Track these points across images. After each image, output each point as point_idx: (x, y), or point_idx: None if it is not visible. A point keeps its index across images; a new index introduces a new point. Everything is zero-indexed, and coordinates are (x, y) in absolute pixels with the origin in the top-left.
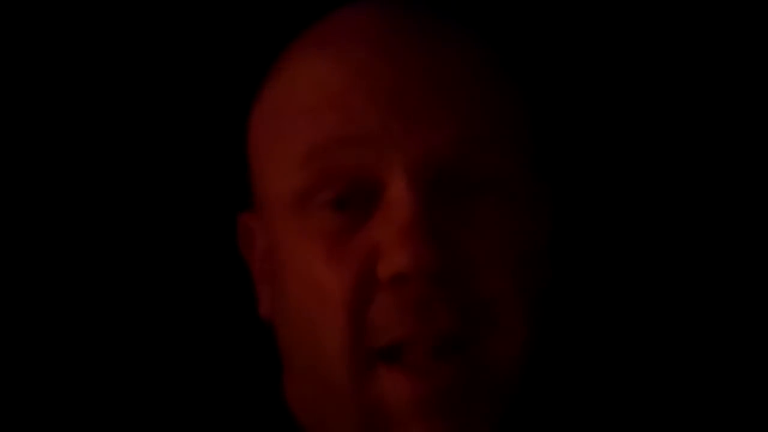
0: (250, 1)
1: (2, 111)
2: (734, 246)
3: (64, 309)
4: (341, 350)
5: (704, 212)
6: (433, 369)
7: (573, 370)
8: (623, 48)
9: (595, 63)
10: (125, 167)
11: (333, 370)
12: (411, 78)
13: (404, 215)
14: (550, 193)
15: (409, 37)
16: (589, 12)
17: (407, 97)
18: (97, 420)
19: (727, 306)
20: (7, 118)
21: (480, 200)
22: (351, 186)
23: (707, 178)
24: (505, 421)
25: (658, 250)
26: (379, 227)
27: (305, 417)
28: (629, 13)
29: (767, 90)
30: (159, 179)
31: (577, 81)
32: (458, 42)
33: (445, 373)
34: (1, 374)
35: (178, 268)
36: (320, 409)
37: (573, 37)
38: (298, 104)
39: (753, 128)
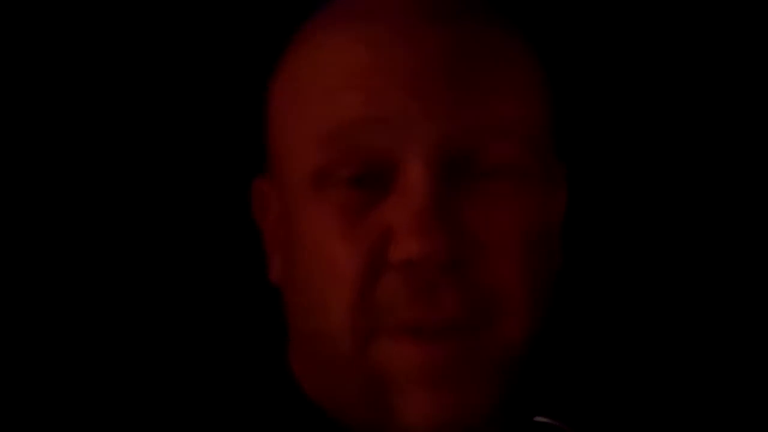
0: None
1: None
2: (741, 240)
3: (70, 274)
4: (347, 322)
5: (711, 208)
6: (435, 343)
7: (576, 355)
8: (645, 38)
9: (618, 51)
10: (143, 127)
11: (338, 339)
12: (433, 61)
13: (419, 200)
14: (564, 175)
15: (434, 18)
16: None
17: (429, 80)
18: (102, 383)
19: (730, 297)
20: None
21: (494, 186)
22: (368, 165)
23: (715, 173)
24: (505, 400)
25: (668, 239)
26: (393, 209)
27: (310, 385)
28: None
29: None
30: (172, 144)
31: (598, 65)
32: (483, 23)
33: (451, 346)
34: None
35: (188, 235)
36: (325, 377)
37: (595, 23)
38: (320, 81)
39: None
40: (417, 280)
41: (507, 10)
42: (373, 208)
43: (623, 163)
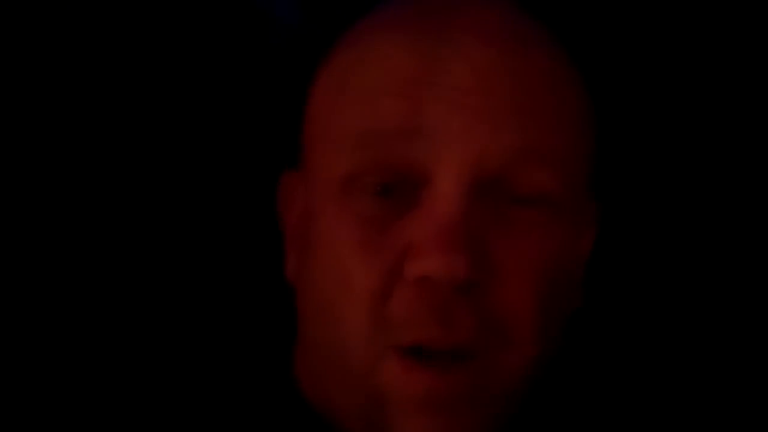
0: None
1: None
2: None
3: (77, 267)
4: (358, 337)
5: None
6: (446, 369)
7: (579, 386)
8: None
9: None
10: (175, 116)
11: (348, 351)
12: (480, 77)
13: (445, 216)
14: (596, 216)
15: (485, 37)
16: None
17: (473, 95)
18: (105, 385)
19: (731, 315)
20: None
21: (523, 213)
22: (398, 175)
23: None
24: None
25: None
26: (417, 222)
27: (312, 390)
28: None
29: None
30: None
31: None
32: (534, 48)
33: (457, 375)
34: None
35: (205, 228)
36: (330, 386)
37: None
38: (363, 84)
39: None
40: (432, 298)
41: (561, 38)
42: (396, 220)
43: (657, 208)
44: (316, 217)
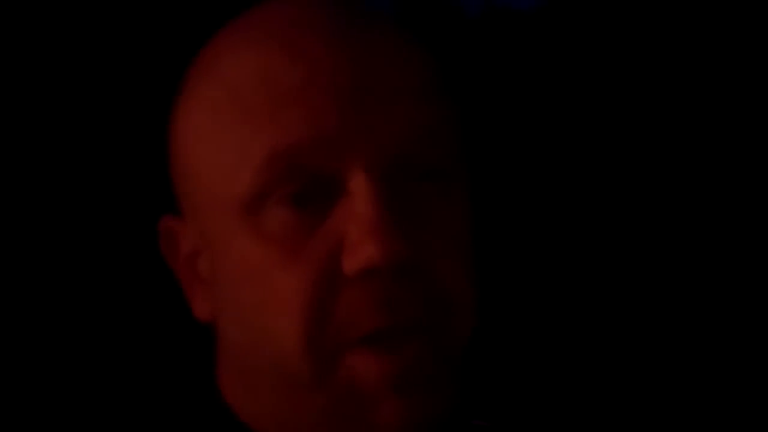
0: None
1: None
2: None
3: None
4: (302, 349)
5: (607, 210)
6: (399, 349)
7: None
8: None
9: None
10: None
11: (295, 367)
12: (366, 74)
13: (370, 208)
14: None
15: (359, 33)
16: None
17: (364, 93)
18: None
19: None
20: None
21: (429, 189)
22: (310, 183)
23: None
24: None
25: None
26: (341, 223)
27: (252, 415)
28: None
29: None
30: (74, 184)
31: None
32: (401, 42)
33: (409, 352)
34: None
35: (99, 270)
36: (278, 405)
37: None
38: (248, 99)
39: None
40: (375, 289)
41: (404, 23)
42: (316, 228)
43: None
44: (221, 247)
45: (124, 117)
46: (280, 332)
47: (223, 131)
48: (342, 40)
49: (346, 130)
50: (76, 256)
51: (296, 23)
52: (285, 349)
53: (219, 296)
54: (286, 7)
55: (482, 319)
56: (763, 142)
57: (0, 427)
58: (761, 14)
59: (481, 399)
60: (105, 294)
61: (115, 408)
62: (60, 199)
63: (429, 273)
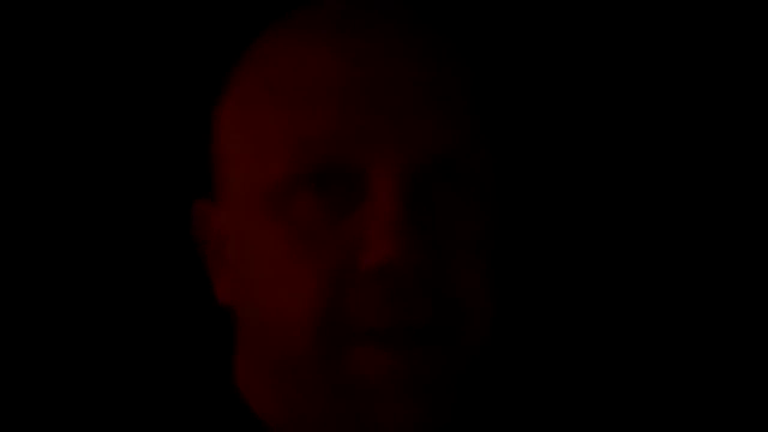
0: None
1: None
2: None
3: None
4: (310, 336)
5: (629, 215)
6: (406, 349)
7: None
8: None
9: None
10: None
11: (302, 352)
12: (407, 75)
13: (392, 209)
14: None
15: (400, 35)
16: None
17: (400, 95)
18: (40, 400)
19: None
20: None
21: (456, 196)
22: (337, 175)
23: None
24: (462, 405)
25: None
26: (363, 219)
27: (264, 404)
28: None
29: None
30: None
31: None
32: (442, 48)
33: (416, 354)
34: None
35: (127, 256)
36: (288, 394)
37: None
38: (289, 92)
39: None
40: (389, 287)
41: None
42: (337, 221)
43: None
44: (248, 233)
45: (171, 109)
46: (290, 316)
47: (261, 121)
48: (383, 41)
49: (377, 129)
50: (93, 249)
51: (339, 22)
52: (294, 333)
53: (240, 277)
54: (329, 7)
55: (500, 331)
56: None
57: (19, 417)
58: (761, 14)
59: (486, 411)
60: (124, 286)
61: (131, 401)
62: (84, 188)
63: (445, 279)
